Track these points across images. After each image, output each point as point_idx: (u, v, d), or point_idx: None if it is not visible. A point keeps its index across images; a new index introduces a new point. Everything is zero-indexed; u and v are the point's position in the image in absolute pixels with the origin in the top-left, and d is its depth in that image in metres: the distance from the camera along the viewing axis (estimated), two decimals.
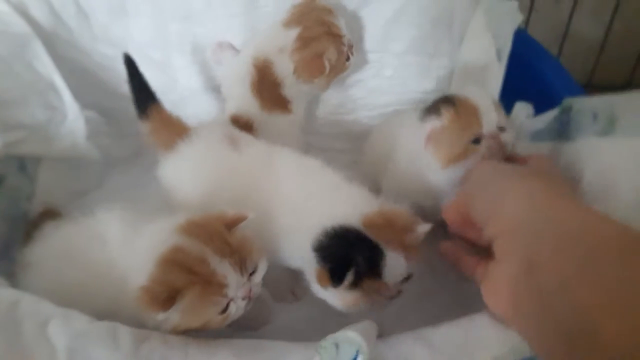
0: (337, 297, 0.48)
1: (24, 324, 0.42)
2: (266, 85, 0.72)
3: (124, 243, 0.49)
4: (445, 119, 0.53)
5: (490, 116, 0.52)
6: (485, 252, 0.45)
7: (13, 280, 0.52)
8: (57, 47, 0.72)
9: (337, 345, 0.40)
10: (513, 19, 0.65)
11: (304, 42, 0.70)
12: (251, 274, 0.48)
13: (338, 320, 0.43)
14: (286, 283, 0.60)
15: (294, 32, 0.70)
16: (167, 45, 0.77)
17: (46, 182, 0.69)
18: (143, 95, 0.62)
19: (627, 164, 0.42)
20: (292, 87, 0.73)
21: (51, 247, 0.54)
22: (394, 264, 0.46)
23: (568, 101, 0.54)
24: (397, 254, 0.46)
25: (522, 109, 0.63)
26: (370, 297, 0.47)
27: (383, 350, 0.41)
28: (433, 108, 0.56)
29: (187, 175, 0.60)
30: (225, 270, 0.44)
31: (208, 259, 0.44)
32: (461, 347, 0.40)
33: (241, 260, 0.46)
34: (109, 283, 0.47)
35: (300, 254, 0.51)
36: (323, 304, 0.50)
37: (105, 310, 0.45)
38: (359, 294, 0.47)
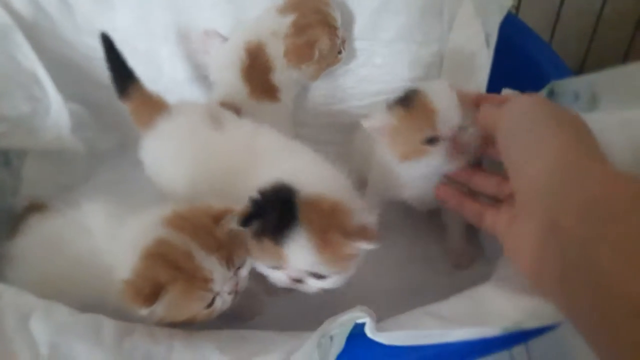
0: (250, 244, 0.47)
1: (5, 318, 0.41)
2: (257, 70, 0.71)
3: (109, 234, 0.49)
4: (395, 118, 0.52)
5: (449, 117, 0.50)
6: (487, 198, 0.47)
7: None
8: (40, 39, 0.71)
9: (331, 337, 0.40)
10: (502, 4, 0.64)
11: (298, 28, 0.70)
12: (238, 268, 0.47)
13: (331, 311, 0.43)
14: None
15: (289, 19, 0.70)
16: (152, 35, 0.76)
17: (31, 176, 0.69)
18: (122, 75, 0.61)
19: (615, 134, 0.41)
20: (283, 72, 0.72)
21: (36, 240, 0.53)
22: (301, 246, 0.44)
23: (550, 85, 0.54)
24: (311, 240, 0.44)
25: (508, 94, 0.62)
26: (267, 259, 0.46)
27: (390, 326, 0.41)
28: (392, 103, 0.54)
29: (167, 153, 0.59)
30: (211, 265, 0.44)
31: (194, 253, 0.43)
32: (472, 317, 0.40)
33: (228, 255, 0.45)
34: (94, 275, 0.47)
35: None
36: (316, 295, 0.50)
37: (91, 302, 0.45)
38: (259, 249, 0.46)
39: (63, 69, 0.73)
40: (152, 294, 0.41)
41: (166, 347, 0.42)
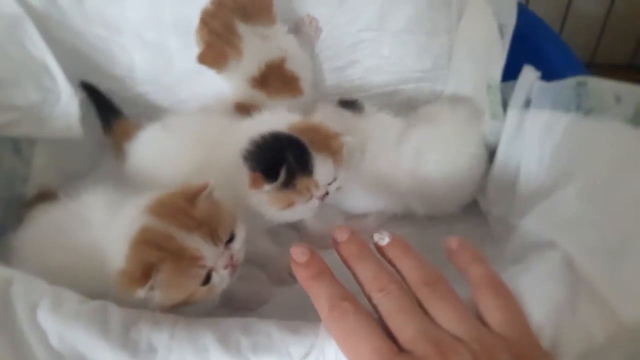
0: (273, 199, 0.52)
1: (17, 306, 0.41)
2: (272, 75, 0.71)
3: (107, 225, 0.49)
4: None
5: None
6: None
7: (6, 264, 0.52)
8: (50, 29, 0.71)
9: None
10: None
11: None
12: (229, 242, 0.47)
13: None
14: (284, 265, 0.60)
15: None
16: (162, 26, 0.76)
17: (41, 164, 0.69)
18: (107, 114, 0.71)
19: None
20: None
21: (37, 232, 0.54)
22: (323, 164, 0.52)
23: (582, 78, 0.53)
24: (325, 156, 0.52)
25: (529, 72, 0.61)
26: (303, 196, 0.52)
27: None
28: None
29: (145, 169, 0.62)
30: (195, 243, 0.44)
31: (174, 235, 0.44)
32: None
33: (211, 230, 0.46)
34: (94, 266, 0.47)
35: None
36: None
37: (92, 293, 0.45)
38: (293, 193, 0.51)
39: (72, 58, 0.73)
40: (143, 274, 0.42)
41: (168, 335, 0.42)
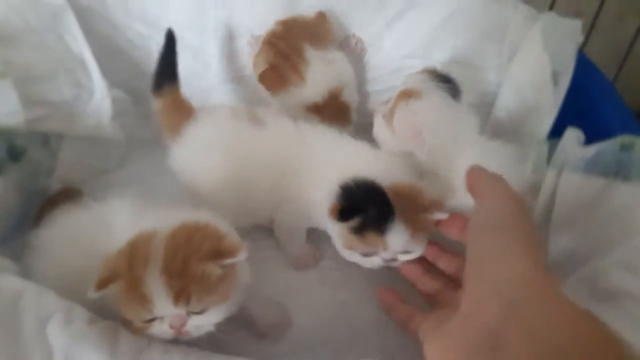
0: (339, 234, 0.53)
1: (24, 319, 0.41)
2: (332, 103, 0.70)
3: (128, 232, 0.46)
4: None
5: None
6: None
7: (21, 261, 0.52)
8: (90, 22, 0.70)
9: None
10: (573, 39, 0.60)
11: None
12: (197, 313, 0.43)
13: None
14: (307, 252, 0.63)
15: None
16: (203, 30, 0.75)
17: (68, 158, 0.68)
18: (166, 72, 0.63)
19: None
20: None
21: (59, 232, 0.52)
22: (399, 233, 0.50)
23: (628, 139, 0.50)
24: (406, 227, 0.50)
25: (573, 134, 0.58)
26: (366, 248, 0.52)
27: None
28: None
29: (197, 159, 0.60)
30: (154, 287, 0.40)
31: (146, 264, 0.41)
32: None
33: (183, 289, 0.41)
34: None
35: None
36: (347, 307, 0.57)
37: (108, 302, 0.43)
38: (359, 241, 0.51)
39: (110, 54, 0.73)
40: (104, 280, 0.41)
41: None
